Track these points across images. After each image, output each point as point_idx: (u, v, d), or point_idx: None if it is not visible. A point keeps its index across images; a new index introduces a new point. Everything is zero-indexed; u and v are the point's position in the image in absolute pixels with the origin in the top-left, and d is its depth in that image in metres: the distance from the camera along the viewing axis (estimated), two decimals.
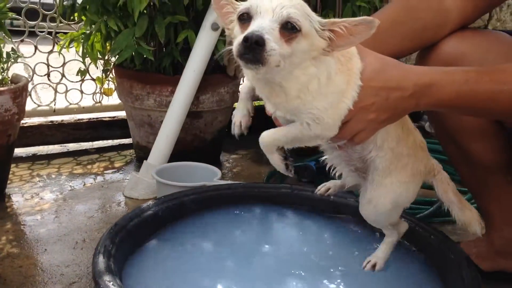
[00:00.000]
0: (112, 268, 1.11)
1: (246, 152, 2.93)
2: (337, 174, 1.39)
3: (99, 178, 2.45)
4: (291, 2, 1.01)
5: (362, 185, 1.35)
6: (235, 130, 1.37)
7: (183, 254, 1.37)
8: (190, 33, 2.31)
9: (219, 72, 2.49)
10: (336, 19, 1.04)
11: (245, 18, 1.02)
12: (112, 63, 2.74)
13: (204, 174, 2.04)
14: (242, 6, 1.04)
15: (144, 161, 2.26)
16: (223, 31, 2.34)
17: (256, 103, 3.66)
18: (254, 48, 0.94)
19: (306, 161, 2.54)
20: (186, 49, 2.40)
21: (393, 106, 1.12)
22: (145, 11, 2.25)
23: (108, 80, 2.87)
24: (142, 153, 2.59)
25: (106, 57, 2.66)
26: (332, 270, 1.36)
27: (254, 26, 0.97)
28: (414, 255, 1.44)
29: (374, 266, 1.37)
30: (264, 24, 0.97)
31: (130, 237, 1.33)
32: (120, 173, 2.52)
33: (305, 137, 1.13)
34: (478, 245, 1.58)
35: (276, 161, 1.20)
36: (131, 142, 2.87)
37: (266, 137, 1.17)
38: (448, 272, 1.29)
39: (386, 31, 1.10)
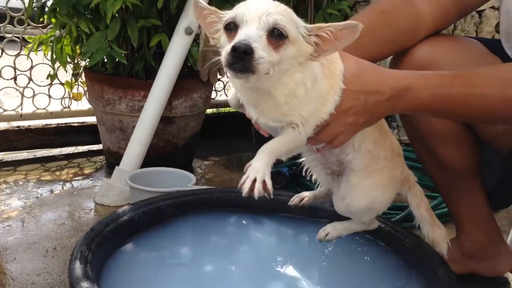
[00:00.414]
0: (89, 274, 1.08)
1: (218, 158, 2.92)
2: (313, 177, 1.39)
3: (68, 185, 2.38)
4: (277, 9, 1.01)
5: (334, 185, 1.35)
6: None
7: (160, 259, 1.35)
8: (163, 37, 2.28)
9: (192, 77, 2.47)
10: (322, 24, 1.04)
11: (231, 27, 1.01)
12: (82, 67, 2.69)
13: (177, 180, 2.02)
14: (227, 16, 1.03)
15: (116, 167, 2.22)
16: (196, 36, 2.33)
17: (226, 109, 3.64)
18: (242, 58, 0.94)
19: (279, 167, 2.54)
20: (159, 53, 2.38)
21: (371, 110, 1.14)
22: (117, 14, 2.22)
23: (78, 85, 2.82)
24: (113, 159, 2.54)
25: (76, 61, 2.61)
26: (311, 270, 1.36)
27: (241, 35, 0.97)
28: (390, 255, 1.45)
29: (326, 235, 1.36)
30: (251, 32, 0.97)
31: (106, 242, 1.29)
32: (90, 180, 2.46)
33: (299, 142, 1.12)
34: (448, 248, 1.61)
35: (257, 184, 1.06)
36: (101, 148, 2.82)
37: (266, 155, 1.08)
38: (425, 272, 1.31)
39: (364, 35, 1.11)
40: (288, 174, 2.45)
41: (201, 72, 2.44)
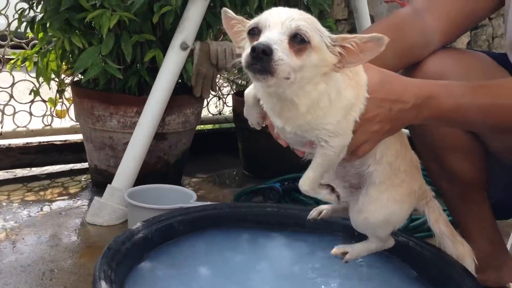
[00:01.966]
0: None
1: (206, 175, 2.88)
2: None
3: (55, 205, 2.29)
4: (300, 16, 1.01)
5: (350, 199, 1.33)
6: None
7: (179, 276, 1.30)
8: (157, 52, 2.25)
9: (184, 93, 2.43)
10: (347, 35, 1.04)
11: (255, 32, 1.01)
12: (68, 83, 2.62)
13: (177, 197, 1.97)
14: (251, 21, 1.04)
15: (108, 185, 2.14)
16: (191, 51, 2.31)
17: (210, 126, 3.60)
18: (261, 58, 0.93)
19: (271, 182, 2.52)
20: (152, 69, 2.34)
21: (395, 118, 1.14)
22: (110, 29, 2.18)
23: (61, 102, 2.73)
24: (100, 177, 2.46)
25: (62, 77, 2.53)
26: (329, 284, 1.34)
27: (262, 38, 0.97)
28: (406, 269, 1.45)
29: (344, 254, 1.33)
30: (272, 35, 0.97)
31: (125, 260, 1.23)
32: (77, 199, 2.37)
33: (333, 158, 1.11)
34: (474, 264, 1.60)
35: (327, 196, 1.20)
36: (85, 166, 2.74)
37: (305, 185, 1.16)
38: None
39: None
40: (281, 189, 2.44)
41: (195, 87, 2.41)
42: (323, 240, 1.50)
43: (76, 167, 2.79)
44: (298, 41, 0.97)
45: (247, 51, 0.96)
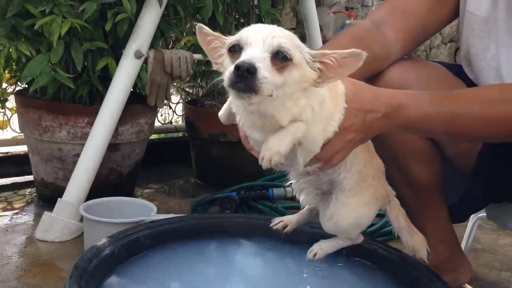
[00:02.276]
0: None
1: (158, 185, 2.81)
2: (301, 199, 1.38)
3: (0, 221, 2.15)
4: (281, 33, 1.01)
5: (321, 205, 1.36)
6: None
7: None
8: (110, 61, 2.18)
9: (137, 102, 2.37)
10: (326, 51, 1.05)
11: (235, 49, 1.00)
12: (11, 92, 2.49)
13: (134, 210, 1.90)
14: (232, 38, 1.03)
15: (59, 199, 2.04)
16: (145, 60, 2.26)
17: (163, 135, 3.53)
18: (246, 77, 0.93)
19: (227, 192, 2.50)
20: (103, 77, 2.26)
21: (369, 127, 1.17)
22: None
23: (3, 112, 2.58)
24: (48, 191, 2.35)
25: (5, 86, 2.40)
26: None
27: (245, 56, 0.96)
28: (376, 273, 1.47)
29: (314, 255, 1.37)
30: (254, 53, 0.96)
31: (93, 278, 1.18)
32: (24, 215, 2.25)
33: (301, 133, 1.08)
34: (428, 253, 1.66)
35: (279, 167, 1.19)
36: (29, 179, 2.61)
37: (275, 146, 1.05)
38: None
39: None
40: (237, 198, 2.42)
41: (149, 96, 2.35)
42: (291, 247, 1.49)
43: (19, 181, 2.65)
44: (280, 58, 0.98)
45: (230, 69, 0.95)
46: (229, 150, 2.78)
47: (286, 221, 1.48)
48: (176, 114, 3.62)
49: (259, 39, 0.98)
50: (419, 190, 1.62)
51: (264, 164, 1.06)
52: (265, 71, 0.94)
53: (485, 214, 1.79)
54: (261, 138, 1.10)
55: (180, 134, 3.60)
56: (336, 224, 1.30)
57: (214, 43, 1.08)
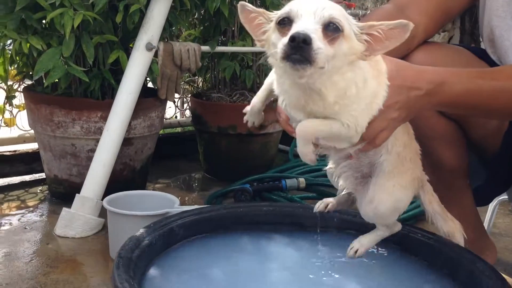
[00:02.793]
0: None
1: (169, 180, 2.80)
2: (340, 183, 1.37)
3: (15, 220, 2.12)
4: (331, 4, 1.01)
5: (359, 190, 1.35)
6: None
7: (190, 279, 1.25)
8: (121, 54, 2.15)
9: (147, 96, 2.35)
10: (374, 22, 1.05)
11: (285, 22, 0.99)
12: (16, 89, 2.45)
13: (158, 203, 1.88)
14: (281, 11, 1.02)
15: (77, 194, 2.02)
16: (155, 53, 2.24)
17: (163, 130, 3.50)
18: (301, 47, 0.92)
19: (240, 184, 2.50)
20: (114, 71, 2.24)
21: (412, 104, 1.17)
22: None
23: (10, 109, 2.54)
24: (61, 187, 2.32)
25: (12, 82, 2.36)
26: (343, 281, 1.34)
27: (297, 27, 0.95)
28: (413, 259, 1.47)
29: (355, 252, 1.34)
30: (307, 24, 0.96)
31: (137, 268, 1.16)
32: (38, 212, 2.22)
33: (342, 136, 1.11)
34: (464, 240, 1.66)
35: (309, 152, 1.12)
36: (38, 177, 2.58)
37: (309, 126, 1.09)
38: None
39: None
40: (251, 190, 2.42)
41: (160, 89, 2.33)
42: (322, 233, 1.49)
43: (28, 179, 2.61)
44: (331, 29, 0.97)
45: (283, 41, 0.94)
46: (238, 142, 2.77)
47: (326, 201, 1.46)
48: (179, 109, 3.60)
49: (309, 11, 0.97)
50: (446, 174, 1.62)
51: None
52: (320, 42, 0.94)
53: (506, 197, 1.82)
54: (301, 118, 1.10)
55: (179, 130, 3.58)
56: (376, 209, 1.27)
57: (258, 20, 1.07)
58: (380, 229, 1.36)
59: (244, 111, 1.33)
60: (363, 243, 1.35)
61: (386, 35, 1.04)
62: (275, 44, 0.99)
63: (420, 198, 1.40)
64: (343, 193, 1.42)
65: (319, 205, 1.43)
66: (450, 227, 1.40)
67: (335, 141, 1.15)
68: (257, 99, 1.27)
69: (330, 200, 1.44)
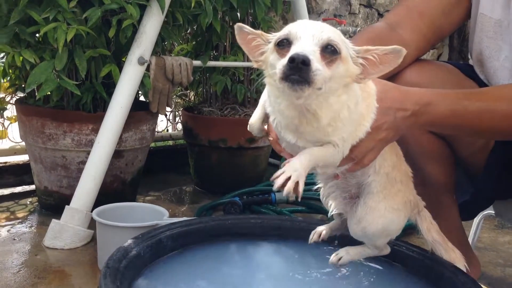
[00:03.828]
0: None
1: (159, 193, 2.81)
2: (329, 204, 1.37)
3: (5, 231, 2.13)
4: (329, 28, 1.04)
5: (348, 210, 1.35)
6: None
7: None
8: (113, 67, 2.18)
9: (139, 109, 2.37)
10: (370, 47, 1.07)
11: (284, 44, 1.02)
12: (8, 101, 2.47)
13: (146, 215, 1.90)
14: (280, 33, 1.04)
15: (67, 206, 2.03)
16: (147, 66, 2.27)
17: (155, 144, 3.53)
18: (300, 68, 0.94)
19: (230, 197, 2.52)
20: (106, 84, 2.26)
21: (399, 125, 1.19)
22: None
23: (1, 121, 2.56)
24: (51, 199, 2.33)
25: (4, 95, 2.38)
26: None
27: (296, 49, 0.97)
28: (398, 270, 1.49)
29: (339, 259, 1.34)
30: (305, 46, 0.98)
31: (124, 279, 1.18)
32: (28, 224, 2.23)
33: (335, 161, 1.13)
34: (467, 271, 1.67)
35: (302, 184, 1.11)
36: (28, 189, 2.59)
37: (303, 160, 1.08)
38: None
39: None
40: (241, 203, 2.43)
41: (152, 103, 2.36)
42: (309, 245, 1.50)
43: (18, 191, 2.62)
44: (329, 52, 1.00)
45: (282, 62, 0.96)
46: (229, 156, 2.79)
47: (318, 231, 1.45)
48: (170, 122, 3.62)
49: (308, 33, 1.00)
50: (433, 190, 1.64)
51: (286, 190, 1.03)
52: (318, 63, 0.96)
53: (491, 212, 1.85)
54: (292, 140, 1.11)
55: (171, 143, 3.60)
56: (365, 229, 1.26)
57: (255, 41, 1.09)
58: (369, 247, 1.36)
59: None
60: (349, 252, 1.35)
61: (381, 59, 1.06)
62: (274, 65, 1.01)
63: (417, 225, 1.38)
64: (334, 212, 1.40)
65: (312, 236, 1.43)
66: (452, 258, 1.39)
67: (328, 167, 1.16)
68: (254, 118, 1.25)
69: (322, 228, 1.43)
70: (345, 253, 1.35)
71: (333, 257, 1.35)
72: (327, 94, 1.02)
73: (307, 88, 0.97)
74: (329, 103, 1.05)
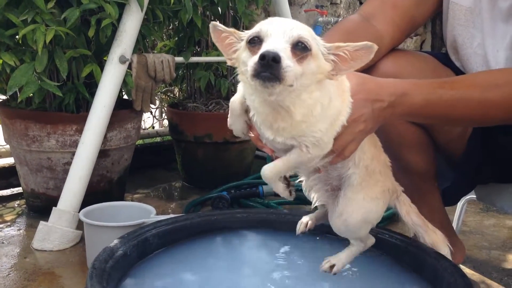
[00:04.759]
0: None
1: (148, 190, 2.82)
2: (312, 196, 1.39)
3: None
4: (299, 25, 1.05)
5: (330, 203, 1.37)
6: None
7: (166, 286, 1.28)
8: (95, 67, 2.18)
9: (123, 107, 2.37)
10: (340, 44, 1.08)
11: (255, 41, 1.03)
12: None
13: (133, 213, 1.91)
14: (251, 31, 1.05)
15: (54, 208, 2.04)
16: (129, 65, 2.27)
17: (142, 141, 3.53)
18: (271, 65, 0.95)
19: (217, 191, 2.53)
20: (88, 84, 2.26)
21: (376, 116, 1.21)
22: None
23: None
24: (38, 201, 2.33)
25: None
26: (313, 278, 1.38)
27: (267, 46, 0.98)
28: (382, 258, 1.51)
29: (332, 267, 1.34)
30: (276, 43, 0.99)
31: (111, 279, 1.19)
32: (16, 226, 2.23)
33: (304, 161, 1.16)
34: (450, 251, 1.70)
35: (280, 189, 1.21)
36: (15, 192, 2.59)
37: (268, 171, 1.16)
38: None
39: None
40: (229, 197, 2.45)
41: (135, 101, 2.36)
42: (294, 237, 1.52)
43: (5, 193, 2.62)
44: (299, 48, 1.01)
45: (253, 59, 0.97)
46: (215, 151, 2.81)
47: (305, 222, 1.47)
48: (157, 119, 3.62)
49: (279, 31, 1.01)
50: (415, 178, 1.67)
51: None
52: (289, 60, 0.97)
53: (473, 196, 1.88)
54: (270, 136, 1.12)
55: (158, 139, 3.61)
56: (346, 221, 1.28)
57: (229, 39, 1.10)
58: (354, 244, 1.37)
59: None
60: (341, 258, 1.35)
61: (352, 56, 1.07)
62: (245, 62, 1.02)
63: (397, 209, 1.40)
64: (317, 204, 1.43)
65: (299, 227, 1.45)
66: (433, 239, 1.41)
67: (300, 167, 1.19)
68: (235, 102, 1.21)
69: (307, 219, 1.45)
70: (337, 260, 1.35)
71: (325, 264, 1.35)
72: (299, 91, 1.04)
73: (278, 85, 0.98)
74: (302, 100, 1.06)
